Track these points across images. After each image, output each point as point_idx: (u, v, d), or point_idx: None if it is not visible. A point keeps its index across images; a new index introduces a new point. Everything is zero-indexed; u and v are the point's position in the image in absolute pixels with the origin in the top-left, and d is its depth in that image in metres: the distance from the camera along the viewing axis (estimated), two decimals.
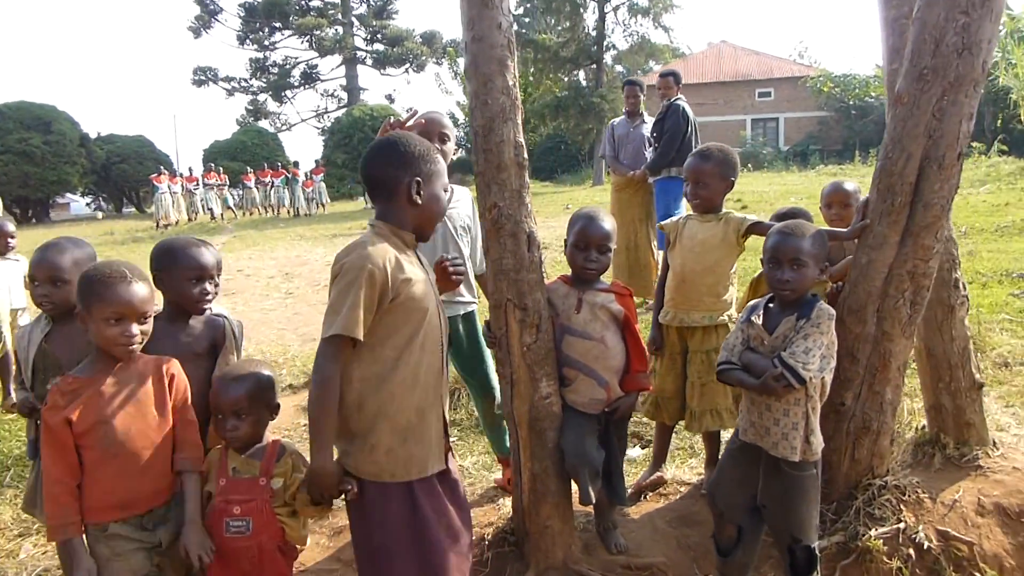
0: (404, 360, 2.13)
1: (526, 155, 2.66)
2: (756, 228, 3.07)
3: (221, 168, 26.80)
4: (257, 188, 26.02)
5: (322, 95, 44.83)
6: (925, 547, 2.78)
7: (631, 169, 6.72)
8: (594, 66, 26.84)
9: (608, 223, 2.75)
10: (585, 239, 2.71)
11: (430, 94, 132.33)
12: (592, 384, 2.71)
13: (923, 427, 3.38)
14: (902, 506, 2.90)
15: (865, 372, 2.86)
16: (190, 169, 26.27)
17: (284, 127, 43.04)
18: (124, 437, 2.12)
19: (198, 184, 24.88)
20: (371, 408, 2.14)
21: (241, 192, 26.81)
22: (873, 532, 2.78)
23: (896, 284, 2.75)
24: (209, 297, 2.48)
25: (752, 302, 2.67)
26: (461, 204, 3.31)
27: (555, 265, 8.59)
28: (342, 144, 32.43)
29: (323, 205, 25.22)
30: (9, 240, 4.85)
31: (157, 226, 21.80)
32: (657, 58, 27.91)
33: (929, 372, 3.30)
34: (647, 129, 6.80)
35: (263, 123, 41.22)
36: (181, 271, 2.41)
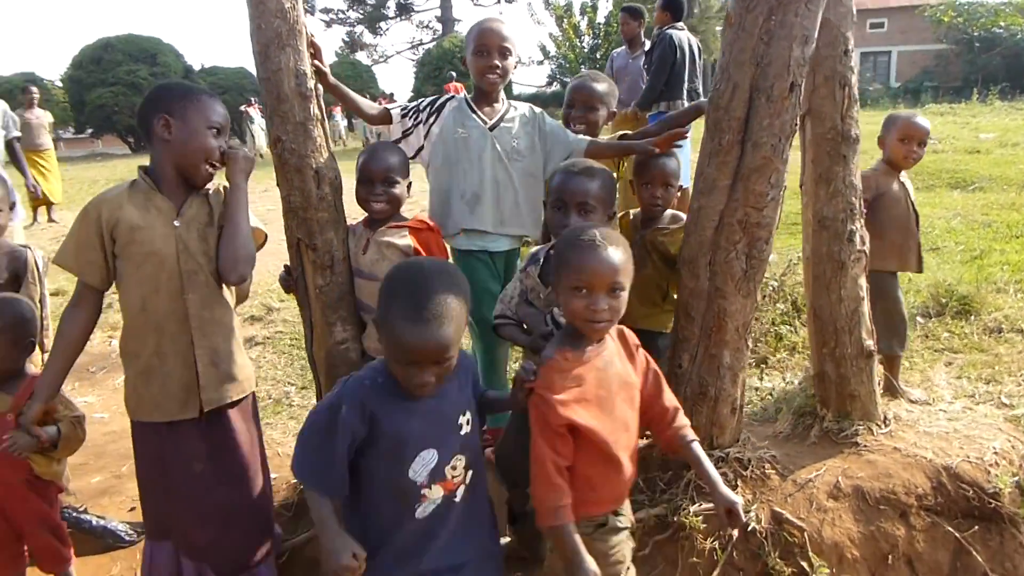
0: (144, 305, 2.13)
1: (312, 84, 2.46)
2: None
3: None
4: (344, 119, 26.37)
5: (417, 26, 44.69)
6: (750, 528, 2.50)
7: (626, 104, 6.30)
8: None
9: (392, 155, 2.59)
10: (368, 174, 2.54)
11: (523, 25, 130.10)
12: None
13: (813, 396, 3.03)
14: (739, 481, 2.61)
15: (701, 332, 2.56)
16: None
17: (380, 59, 43.29)
18: None
19: None
20: (124, 347, 2.22)
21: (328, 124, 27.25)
22: (693, 508, 2.52)
23: (727, 235, 2.42)
24: None
25: (533, 250, 2.41)
26: (516, 126, 2.94)
27: None
28: (432, 76, 32.26)
29: None
30: None
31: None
32: None
33: (814, 336, 2.93)
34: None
35: (360, 55, 41.65)
36: None
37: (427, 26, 42.77)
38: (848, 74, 2.77)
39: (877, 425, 2.86)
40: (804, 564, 2.44)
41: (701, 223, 2.45)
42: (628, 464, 1.92)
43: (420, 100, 2.99)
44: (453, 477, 1.80)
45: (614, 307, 1.78)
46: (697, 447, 2.01)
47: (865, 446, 2.77)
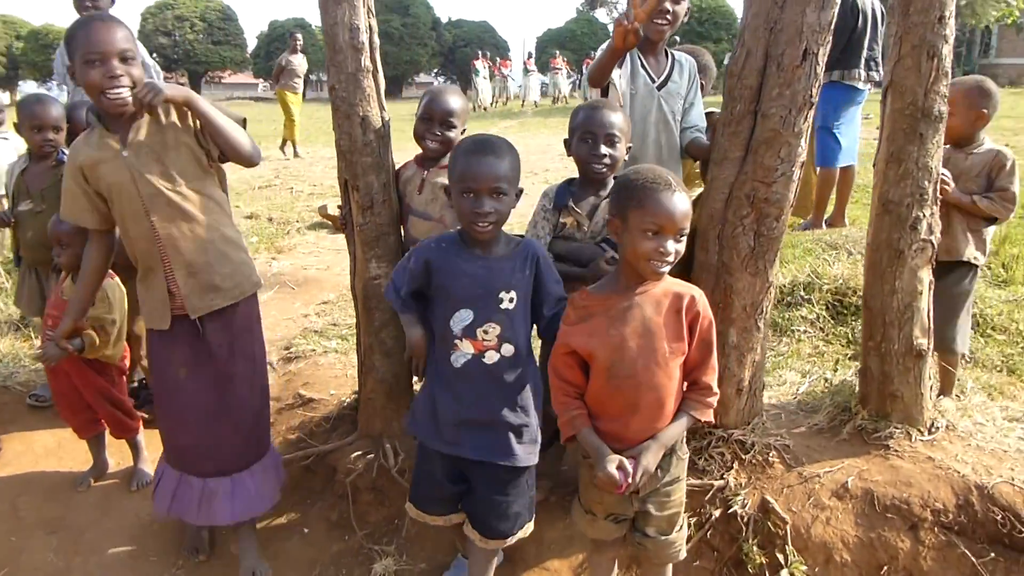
0: (125, 231, 2.36)
1: (364, 38, 2.67)
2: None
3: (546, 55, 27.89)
4: (569, 76, 26.69)
5: None
6: (732, 512, 2.45)
7: None
8: None
9: (455, 100, 2.69)
10: (429, 112, 2.67)
11: None
12: None
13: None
14: (736, 464, 2.55)
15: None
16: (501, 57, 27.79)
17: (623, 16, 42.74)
18: None
19: (511, 70, 26.24)
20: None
21: (548, 80, 27.75)
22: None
23: (735, 209, 2.34)
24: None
25: (546, 188, 2.48)
26: (683, 85, 2.83)
27: None
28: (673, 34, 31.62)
29: None
30: None
31: (474, 108, 23.54)
32: None
33: (863, 328, 2.73)
34: None
35: (598, 12, 41.61)
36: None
37: None
38: (939, 44, 2.50)
39: (919, 431, 2.62)
40: (780, 557, 2.36)
41: (712, 195, 2.39)
42: (653, 401, 1.92)
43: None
44: (484, 340, 2.06)
45: (678, 251, 1.84)
46: (684, 418, 1.97)
47: (896, 450, 2.57)
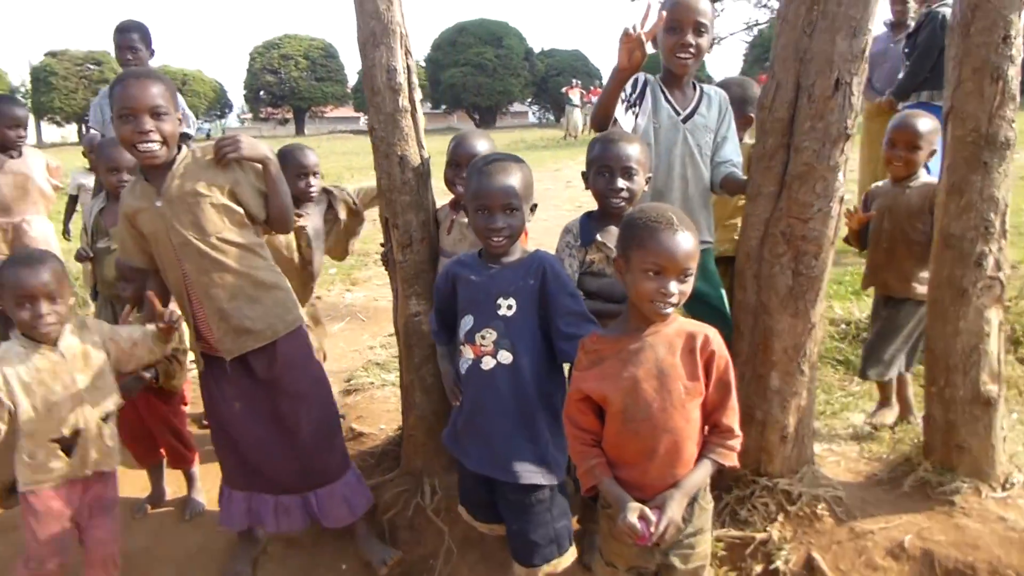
0: (164, 274, 2.49)
1: (402, 79, 2.70)
2: None
3: None
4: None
5: (755, 6, 42.74)
6: (775, 567, 2.30)
7: (880, 94, 5.65)
8: None
9: (482, 143, 2.73)
10: (456, 158, 2.72)
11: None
12: None
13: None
14: (781, 516, 2.40)
15: (749, 350, 2.38)
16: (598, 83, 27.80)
17: (714, 40, 42.20)
18: None
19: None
20: None
21: None
22: (718, 531, 2.38)
23: (771, 247, 2.22)
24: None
25: (568, 224, 2.41)
26: (710, 118, 2.69)
27: None
28: (762, 58, 30.90)
29: None
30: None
31: (565, 136, 23.65)
32: None
33: (925, 371, 2.54)
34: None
35: None
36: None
37: (764, 5, 40.73)
38: (1005, 65, 2.33)
39: (990, 486, 2.40)
40: None
41: (748, 232, 2.28)
42: (670, 445, 1.83)
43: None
44: (481, 344, 2.11)
45: (683, 291, 1.78)
46: (707, 463, 1.86)
47: (962, 508, 2.36)
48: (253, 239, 2.49)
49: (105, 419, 2.36)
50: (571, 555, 2.21)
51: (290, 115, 43.89)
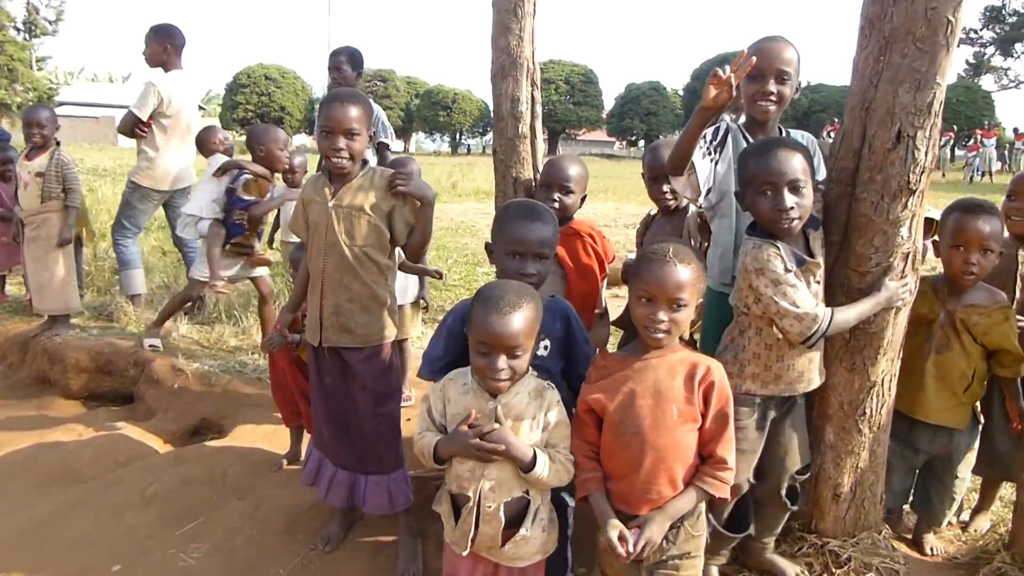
0: (309, 258, 2.85)
1: (523, 108, 2.95)
2: None
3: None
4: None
5: None
6: None
7: None
8: None
9: (573, 168, 2.88)
10: (549, 180, 2.88)
11: None
12: None
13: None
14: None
15: (807, 402, 2.32)
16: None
17: (1011, 84, 37.74)
18: None
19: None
20: None
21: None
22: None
23: (828, 297, 2.16)
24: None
25: (755, 252, 2.10)
26: None
27: None
28: None
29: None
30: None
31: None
32: None
33: (1019, 459, 2.29)
34: None
35: (984, 79, 37.05)
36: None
37: None
38: None
39: None
40: None
41: None
42: (654, 461, 1.91)
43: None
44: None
45: (674, 320, 1.88)
46: (694, 491, 1.92)
47: None
48: (386, 260, 2.78)
49: None
50: None
51: (545, 136, 45.84)
